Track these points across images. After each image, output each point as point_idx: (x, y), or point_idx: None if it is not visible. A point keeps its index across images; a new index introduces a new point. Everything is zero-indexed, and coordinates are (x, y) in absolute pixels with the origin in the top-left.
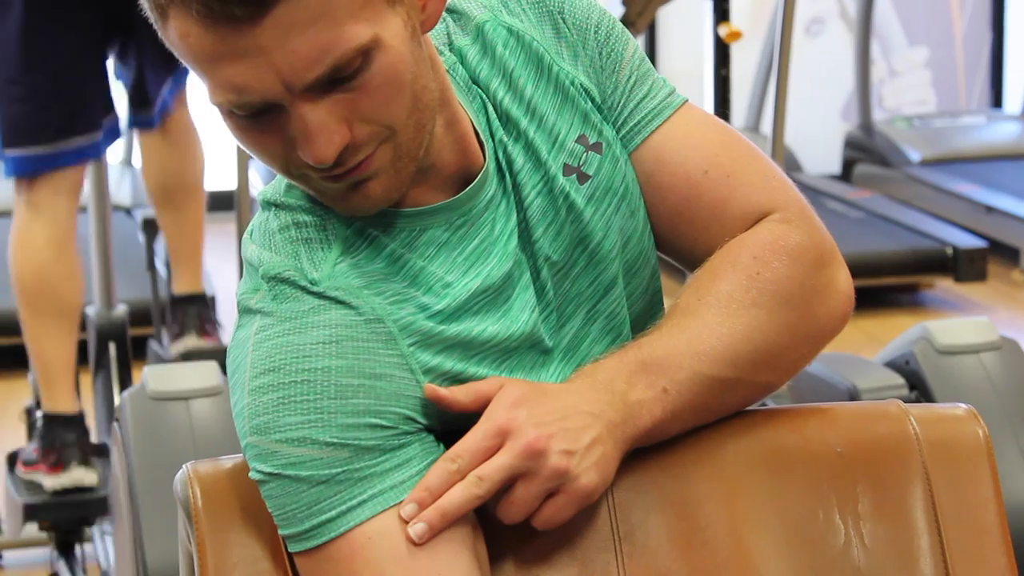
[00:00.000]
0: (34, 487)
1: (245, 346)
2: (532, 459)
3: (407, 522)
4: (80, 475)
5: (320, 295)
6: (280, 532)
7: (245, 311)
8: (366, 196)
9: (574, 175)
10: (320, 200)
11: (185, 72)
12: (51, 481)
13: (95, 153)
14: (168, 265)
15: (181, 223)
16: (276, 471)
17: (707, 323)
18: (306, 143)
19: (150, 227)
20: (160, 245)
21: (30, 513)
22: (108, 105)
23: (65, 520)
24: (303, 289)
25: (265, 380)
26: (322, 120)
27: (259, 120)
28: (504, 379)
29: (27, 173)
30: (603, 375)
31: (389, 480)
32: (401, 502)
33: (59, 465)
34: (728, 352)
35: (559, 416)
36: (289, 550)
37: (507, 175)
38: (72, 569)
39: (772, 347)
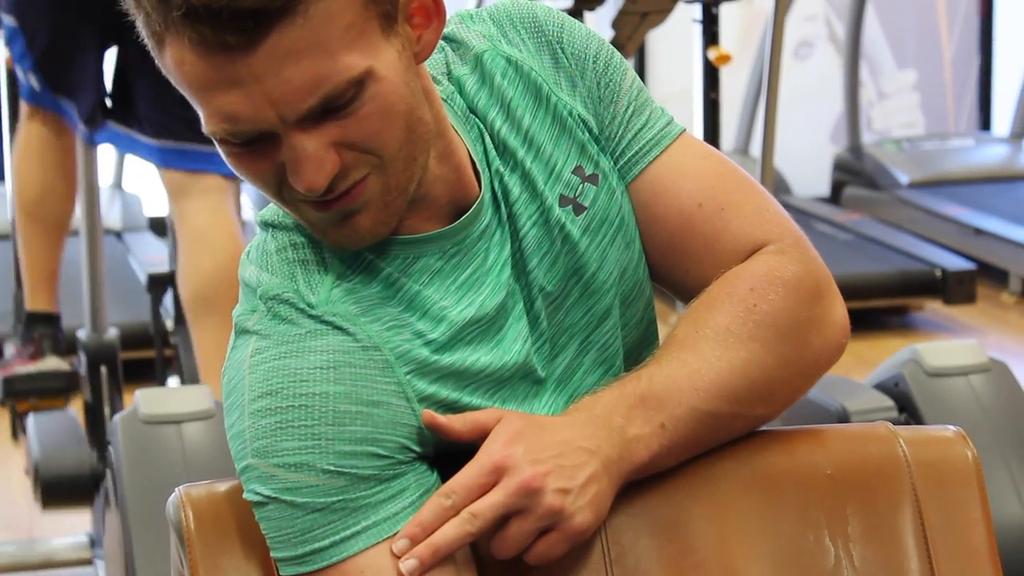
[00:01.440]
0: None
1: (242, 368)
2: (527, 497)
3: (399, 557)
4: (55, 364)
5: (318, 319)
6: (273, 555)
7: (241, 332)
8: (354, 229)
9: (570, 206)
10: (311, 230)
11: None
12: (28, 369)
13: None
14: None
15: (212, 336)
16: (274, 495)
17: (705, 357)
18: (297, 171)
19: (156, 285)
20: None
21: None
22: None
23: (40, 393)
24: (301, 311)
25: (264, 403)
26: (314, 149)
27: (252, 148)
28: (502, 411)
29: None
30: (601, 409)
31: (383, 512)
32: (394, 535)
33: (36, 357)
34: (726, 387)
35: (556, 453)
36: (281, 573)
37: (502, 205)
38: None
39: (769, 380)
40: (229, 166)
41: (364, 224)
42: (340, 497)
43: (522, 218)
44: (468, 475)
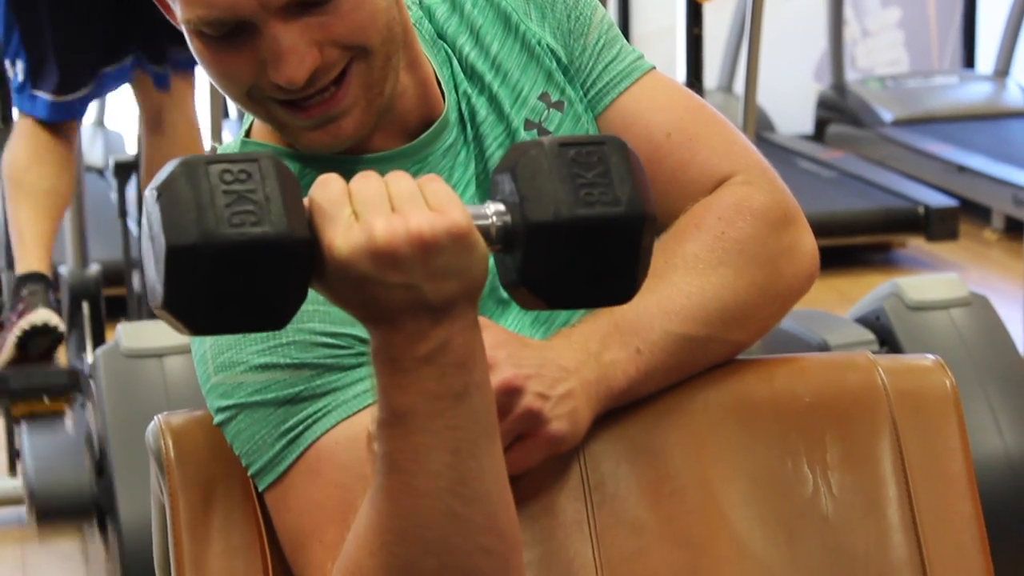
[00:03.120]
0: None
1: None
2: (506, 395)
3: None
4: (46, 316)
5: None
6: (250, 472)
7: None
8: (336, 134)
9: (535, 130)
10: (281, 135)
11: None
12: (21, 323)
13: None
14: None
15: None
16: (241, 401)
17: (675, 284)
18: (277, 64)
19: (122, 171)
20: (132, 197)
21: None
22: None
23: (35, 347)
24: None
25: None
26: (294, 41)
27: (229, 41)
28: (487, 320)
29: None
30: (577, 337)
31: (351, 391)
32: (366, 407)
33: (27, 312)
34: (698, 311)
35: (537, 363)
36: (260, 488)
37: (469, 126)
38: None
39: (741, 305)
40: (201, 64)
41: (348, 127)
42: (306, 385)
43: (488, 139)
44: None
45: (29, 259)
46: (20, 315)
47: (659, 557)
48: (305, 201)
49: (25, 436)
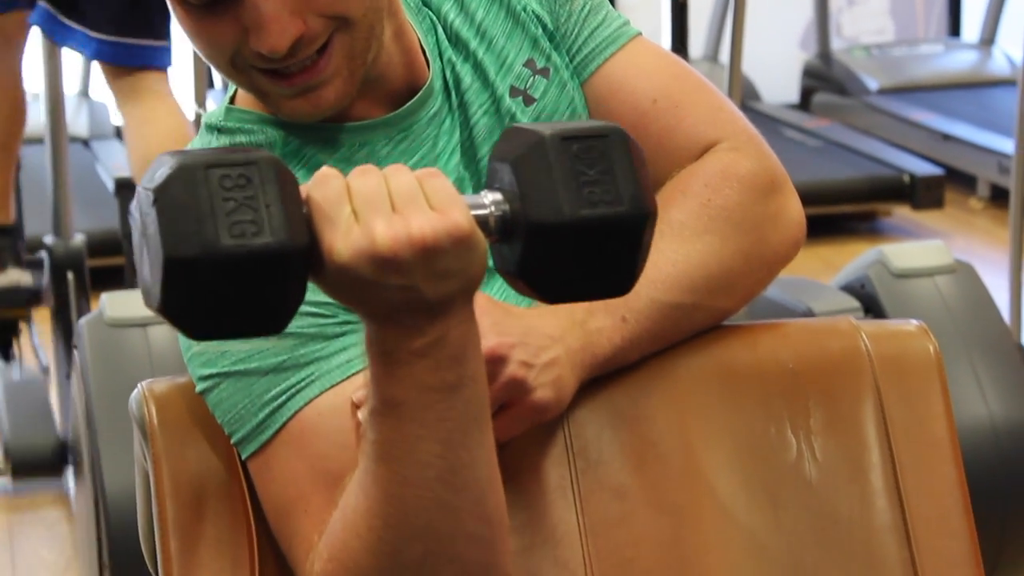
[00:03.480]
0: None
1: None
2: (490, 364)
3: (359, 406)
4: (16, 276)
5: None
6: (233, 440)
7: None
8: (317, 103)
9: (520, 97)
10: (263, 104)
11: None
12: None
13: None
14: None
15: None
16: (224, 370)
17: (662, 251)
18: (259, 32)
19: (124, 190)
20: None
21: None
22: None
23: (4, 307)
24: None
25: None
26: (276, 10)
27: (211, 9)
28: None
29: None
30: (562, 305)
31: (334, 361)
32: (347, 378)
33: None
34: (684, 278)
35: (522, 331)
36: (243, 456)
37: (453, 93)
38: (6, 357)
39: (727, 272)
40: (184, 32)
41: (329, 96)
42: (289, 355)
43: (473, 106)
44: None
45: None
46: None
47: (642, 522)
48: (302, 189)
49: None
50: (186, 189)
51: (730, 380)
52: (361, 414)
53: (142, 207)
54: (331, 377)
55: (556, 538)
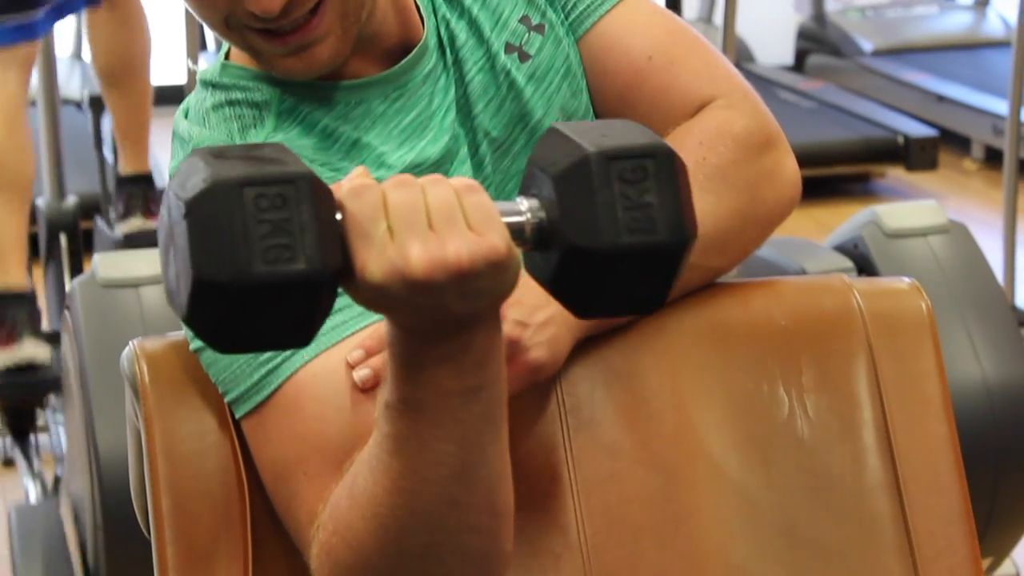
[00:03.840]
0: None
1: None
2: None
3: (353, 367)
4: (32, 350)
5: None
6: (227, 399)
7: None
8: (310, 62)
9: (515, 53)
10: (258, 62)
11: None
12: (3, 357)
13: (31, 33)
14: (114, 147)
15: (127, 103)
16: None
17: None
18: None
19: (96, 105)
20: (107, 128)
21: None
22: None
23: (18, 396)
24: None
25: None
26: None
27: None
28: None
29: None
30: None
31: (330, 322)
32: (342, 340)
33: (11, 340)
34: None
35: (517, 291)
36: (236, 415)
37: (448, 50)
38: (27, 455)
39: (722, 232)
40: None
41: (322, 55)
42: None
43: (468, 63)
44: None
45: (11, 271)
46: (5, 341)
47: (634, 480)
48: (336, 193)
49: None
50: (220, 208)
51: (723, 338)
52: (357, 375)
53: (172, 213)
54: (325, 339)
55: (548, 496)
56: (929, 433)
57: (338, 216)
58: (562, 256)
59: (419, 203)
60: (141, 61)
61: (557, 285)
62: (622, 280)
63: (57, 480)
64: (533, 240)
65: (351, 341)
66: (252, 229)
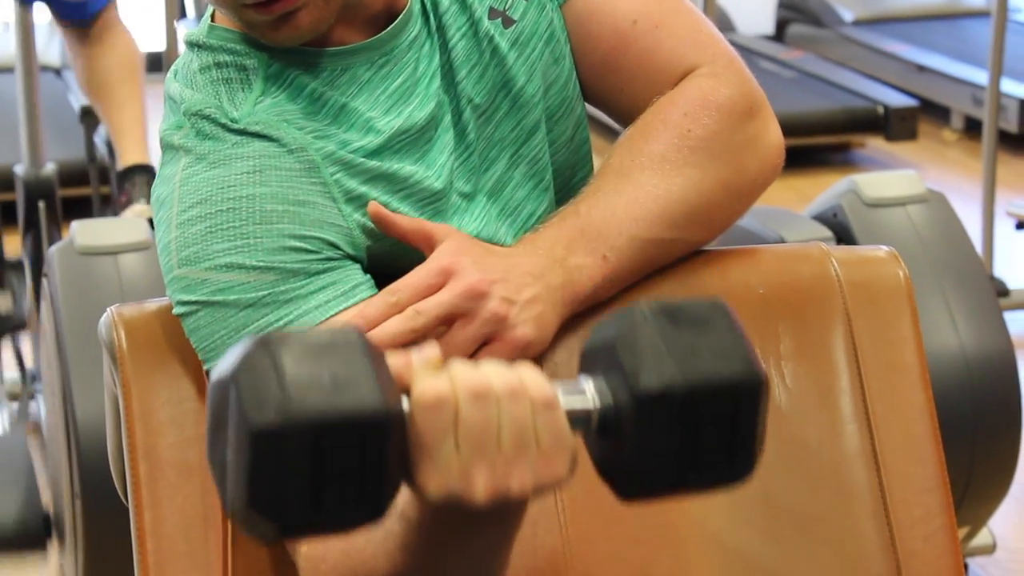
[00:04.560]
0: None
1: (171, 182)
2: (473, 300)
3: None
4: None
5: (241, 132)
6: (205, 366)
7: (169, 147)
8: (295, 27)
9: (499, 19)
10: (246, 30)
11: None
12: None
13: None
14: (110, 146)
15: (118, 107)
16: (204, 299)
17: (642, 186)
18: None
19: (88, 116)
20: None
21: None
22: None
23: None
24: (223, 127)
25: (193, 212)
26: None
27: None
28: (453, 228)
29: None
30: (543, 242)
31: (313, 301)
32: (326, 320)
33: None
34: (665, 214)
35: (503, 269)
36: None
37: (431, 16)
38: None
39: (707, 205)
40: None
41: (304, 20)
42: (270, 291)
43: (451, 29)
44: (416, 276)
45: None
46: None
47: None
48: (402, 376)
49: None
50: (289, 453)
51: None
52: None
53: (232, 421)
54: (308, 320)
55: None
56: (906, 401)
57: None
58: (630, 424)
59: (492, 424)
60: (128, 76)
61: (604, 473)
62: (700, 436)
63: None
64: (597, 430)
65: (336, 321)
66: (320, 474)
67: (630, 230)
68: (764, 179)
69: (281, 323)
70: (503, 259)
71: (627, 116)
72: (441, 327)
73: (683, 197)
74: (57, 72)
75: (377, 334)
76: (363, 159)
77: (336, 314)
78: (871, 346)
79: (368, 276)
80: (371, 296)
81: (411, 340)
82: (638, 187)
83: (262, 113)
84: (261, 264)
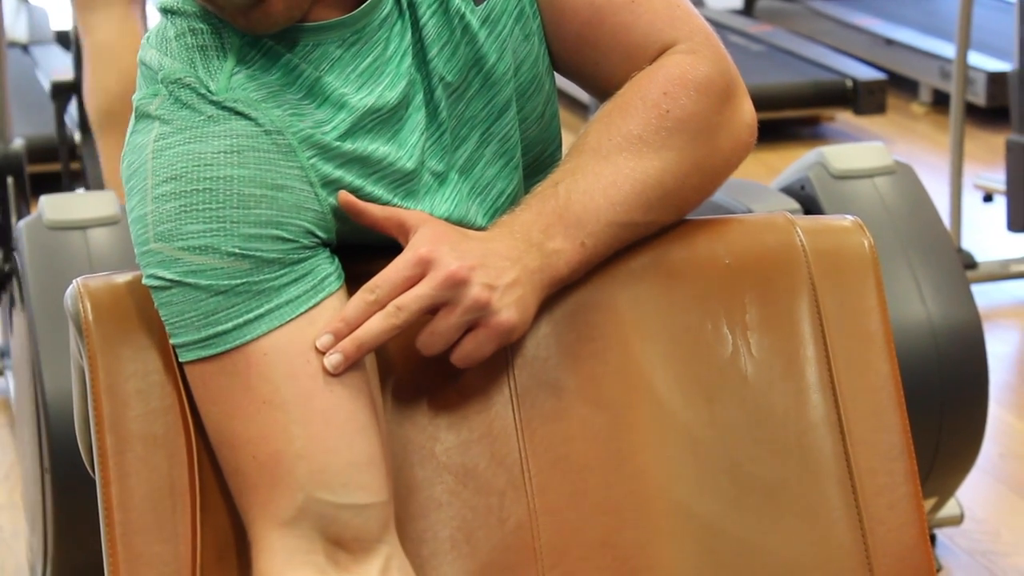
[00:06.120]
0: None
1: (144, 152)
2: (453, 288)
3: (323, 353)
4: None
5: (219, 104)
6: (172, 341)
7: (142, 116)
8: (267, 14)
9: None
10: (217, 13)
11: None
12: None
13: None
14: (81, 123)
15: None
16: (177, 278)
17: (620, 169)
18: None
19: (60, 92)
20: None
21: None
22: None
23: None
24: (202, 97)
25: (168, 188)
26: None
27: None
28: (428, 216)
29: None
30: (519, 226)
31: (285, 295)
32: (295, 317)
33: None
34: (641, 198)
35: (480, 254)
36: (180, 359)
37: None
38: None
39: (681, 187)
40: None
41: (277, 7)
42: (244, 280)
43: (421, 7)
44: (393, 269)
45: None
46: None
47: (578, 418)
48: None
49: None
50: None
51: (667, 276)
52: (327, 361)
53: None
54: (279, 315)
55: (492, 434)
56: (871, 370)
57: None
58: None
59: None
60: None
61: None
62: None
63: None
64: None
65: (306, 318)
66: None
67: (608, 216)
68: (737, 158)
69: (252, 315)
70: (480, 244)
71: (603, 90)
72: (425, 316)
73: (660, 180)
74: (24, 48)
75: (360, 335)
76: (338, 142)
77: (307, 310)
78: (836, 315)
79: (337, 263)
80: (340, 287)
81: (392, 335)
82: (616, 170)
83: (240, 89)
84: (237, 250)
